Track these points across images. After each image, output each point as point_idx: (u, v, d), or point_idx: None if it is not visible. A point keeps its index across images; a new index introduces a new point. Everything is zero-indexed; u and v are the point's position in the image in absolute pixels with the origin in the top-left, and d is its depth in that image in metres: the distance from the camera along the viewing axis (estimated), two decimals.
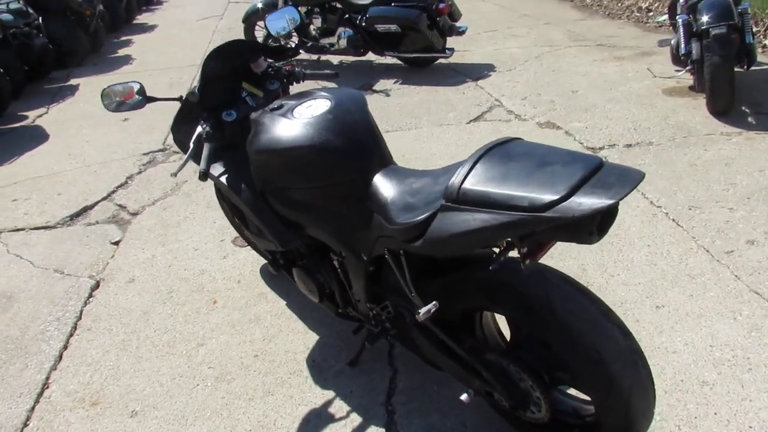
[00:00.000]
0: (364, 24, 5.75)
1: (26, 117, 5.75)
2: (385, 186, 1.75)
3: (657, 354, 2.21)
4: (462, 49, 6.42)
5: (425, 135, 4.35)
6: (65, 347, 2.61)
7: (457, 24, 5.84)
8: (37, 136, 5.21)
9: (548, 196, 1.27)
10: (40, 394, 2.36)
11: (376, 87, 5.60)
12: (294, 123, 1.87)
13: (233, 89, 2.24)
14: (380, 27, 5.69)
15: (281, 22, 2.59)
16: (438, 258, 1.77)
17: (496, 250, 1.50)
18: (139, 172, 4.30)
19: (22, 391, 2.38)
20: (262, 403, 2.21)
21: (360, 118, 1.87)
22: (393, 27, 5.63)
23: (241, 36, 6.45)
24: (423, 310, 1.65)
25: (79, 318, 2.79)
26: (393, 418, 2.08)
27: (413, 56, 5.81)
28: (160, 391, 2.31)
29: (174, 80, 6.40)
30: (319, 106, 1.91)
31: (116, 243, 3.42)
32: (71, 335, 2.68)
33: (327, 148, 1.79)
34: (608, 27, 7.04)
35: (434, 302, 1.65)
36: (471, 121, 4.55)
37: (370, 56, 6.09)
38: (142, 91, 2.16)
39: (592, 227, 1.28)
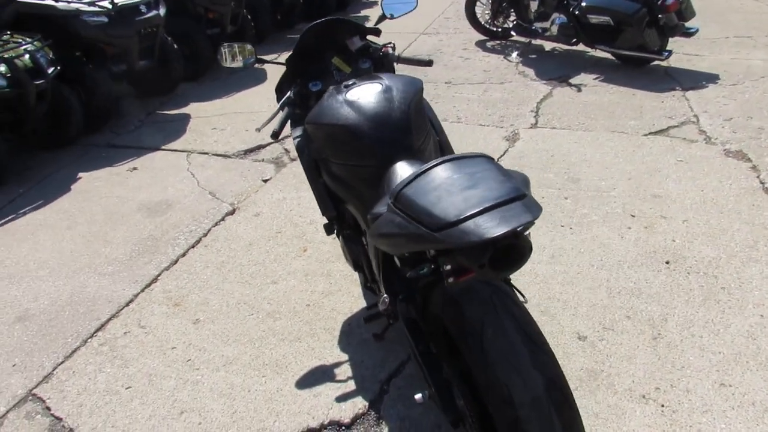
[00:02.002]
0: (577, 12, 5.45)
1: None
2: (393, 177, 1.81)
3: None
4: (692, 53, 5.68)
5: (589, 139, 4.06)
6: (183, 255, 3.18)
7: (687, 24, 5.18)
8: (258, 77, 6.09)
9: (444, 218, 1.25)
10: (147, 286, 2.94)
11: (574, 80, 5.30)
12: (340, 102, 2.00)
13: (326, 62, 2.43)
14: (593, 18, 5.33)
15: (397, 5, 2.68)
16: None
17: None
18: None
19: (137, 279, 3.00)
20: (288, 345, 2.46)
21: (398, 107, 1.92)
22: (606, 19, 5.24)
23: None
24: (380, 299, 1.70)
25: (205, 235, 3.35)
26: (381, 398, 2.16)
27: (624, 53, 5.34)
28: (223, 310, 2.71)
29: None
30: (370, 90, 2.00)
31: (266, 181, 3.94)
32: (192, 247, 3.25)
33: (356, 131, 1.89)
34: None
35: (385, 295, 1.69)
36: (650, 133, 4.09)
37: (583, 47, 5.75)
38: (253, 52, 2.47)
39: (482, 260, 1.23)
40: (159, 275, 3.02)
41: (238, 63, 2.47)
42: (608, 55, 5.66)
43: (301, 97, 2.35)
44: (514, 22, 6.33)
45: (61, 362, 2.50)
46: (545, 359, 1.44)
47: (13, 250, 3.36)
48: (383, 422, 2.07)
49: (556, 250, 2.88)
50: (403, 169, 1.81)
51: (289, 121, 2.29)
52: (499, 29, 6.64)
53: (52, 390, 2.36)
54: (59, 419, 2.22)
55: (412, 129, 1.91)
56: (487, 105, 4.84)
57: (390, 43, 2.48)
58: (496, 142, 4.14)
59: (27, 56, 4.05)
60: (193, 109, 5.41)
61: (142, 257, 3.18)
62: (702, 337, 2.29)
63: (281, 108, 2.38)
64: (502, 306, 1.50)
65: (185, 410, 2.20)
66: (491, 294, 1.53)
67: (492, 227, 1.19)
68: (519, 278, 2.69)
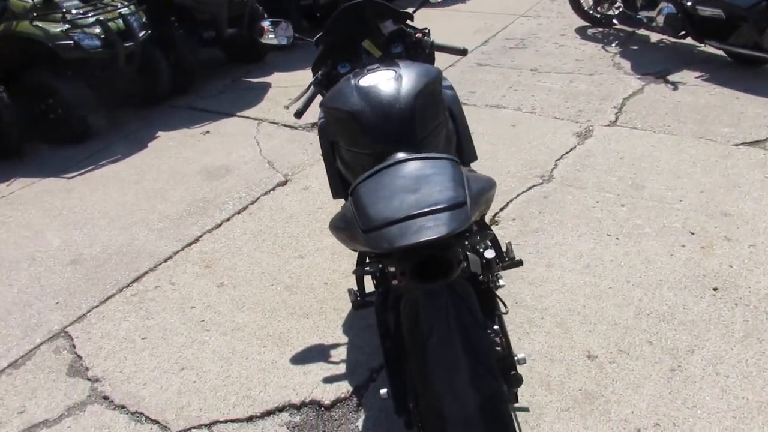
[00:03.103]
0: (686, 3, 4.98)
1: None
2: None
3: None
4: None
5: (669, 143, 3.74)
6: (227, 219, 3.33)
7: None
8: None
9: (373, 220, 1.22)
10: (188, 245, 3.12)
11: (673, 77, 4.88)
12: (351, 87, 1.97)
13: (357, 45, 2.41)
14: (703, 10, 4.85)
15: None
16: None
17: None
18: None
19: (181, 238, 3.19)
20: (296, 320, 2.52)
21: (404, 97, 1.87)
22: (718, 12, 4.74)
23: None
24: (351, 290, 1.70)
25: (252, 203, 3.48)
26: (367, 385, 2.17)
27: (737, 51, 4.83)
28: (247, 277, 2.82)
29: (482, 26, 6.64)
30: (381, 77, 1.97)
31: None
32: (237, 213, 3.39)
33: (359, 118, 1.87)
34: None
35: (351, 288, 1.69)
36: (743, 144, 3.69)
37: (692, 41, 5.27)
38: (289, 30, 2.50)
39: (403, 268, 1.19)
40: (201, 236, 3.19)
41: (275, 40, 2.50)
42: (722, 52, 5.15)
43: (328, 78, 2.35)
44: (619, 10, 5.90)
45: (96, 306, 2.72)
46: (486, 378, 1.38)
47: (84, 198, 3.69)
48: (362, 410, 2.08)
49: (593, 259, 2.71)
50: (395, 161, 1.78)
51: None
52: (603, 16, 6.23)
53: (81, 330, 2.58)
54: (80, 357, 2.43)
55: (414, 120, 1.86)
56: (569, 97, 4.59)
57: (425, 28, 2.41)
58: (565, 137, 3.93)
59: (120, 20, 4.35)
60: (275, 78, 5.59)
61: (191, 218, 3.37)
62: (728, 377, 2.07)
63: (309, 88, 2.40)
64: (455, 315, 1.45)
65: (186, 367, 2.33)
66: (448, 300, 1.48)
67: (404, 236, 1.15)
68: (541, 285, 2.57)
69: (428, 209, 1.20)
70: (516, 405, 2.03)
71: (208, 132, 4.52)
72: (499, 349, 1.60)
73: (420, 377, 1.41)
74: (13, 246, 3.24)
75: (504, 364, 1.62)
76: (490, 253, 1.76)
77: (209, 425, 2.09)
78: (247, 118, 4.73)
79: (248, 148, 4.19)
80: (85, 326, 2.60)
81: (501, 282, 2.00)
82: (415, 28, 2.41)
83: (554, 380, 2.11)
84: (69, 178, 3.95)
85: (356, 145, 1.94)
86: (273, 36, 2.48)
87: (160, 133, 4.55)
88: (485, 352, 1.42)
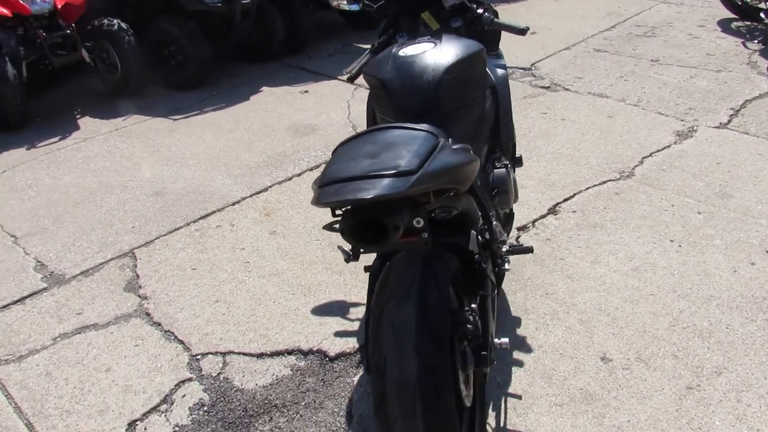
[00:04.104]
0: None
1: None
2: None
3: None
4: None
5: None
6: (299, 175, 3.53)
7: None
8: None
9: (324, 177, 1.28)
10: (256, 193, 3.36)
11: None
12: (389, 56, 2.02)
13: (418, 16, 2.42)
14: None
15: None
16: None
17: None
18: None
19: (252, 186, 3.43)
20: (328, 275, 2.65)
21: (432, 71, 1.88)
22: None
23: None
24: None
25: (325, 162, 3.64)
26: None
27: None
28: (298, 230, 2.99)
29: (615, 10, 6.25)
30: (417, 48, 1.99)
31: None
32: (310, 170, 3.58)
33: (387, 87, 1.92)
34: None
35: (340, 245, 1.75)
36: None
37: None
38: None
39: (342, 226, 1.24)
40: (270, 187, 3.41)
41: (345, 5, 2.59)
42: None
43: (384, 47, 2.40)
44: None
45: (163, 235, 3.04)
46: (430, 346, 1.39)
47: (182, 139, 4.06)
48: (362, 367, 2.16)
49: (644, 263, 2.55)
50: (377, 127, 1.81)
51: None
52: (752, 9, 5.61)
53: (146, 254, 2.90)
54: (137, 276, 2.74)
55: (439, 94, 1.87)
56: (682, 93, 4.24)
57: (488, 4, 2.37)
58: (662, 134, 3.65)
59: None
60: None
61: (266, 168, 3.60)
62: (750, 406, 1.89)
63: (367, 54, 2.47)
64: (419, 286, 1.47)
65: (220, 300, 2.55)
66: (418, 272, 1.51)
67: (335, 194, 1.20)
68: (579, 280, 2.47)
69: (372, 173, 1.23)
70: (508, 391, 2.02)
71: (306, 91, 4.74)
72: (470, 326, 1.60)
73: (372, 337, 1.46)
74: (112, 173, 3.67)
75: (475, 343, 1.62)
76: (487, 235, 1.75)
77: (224, 354, 2.28)
78: (346, 82, 4.88)
79: (338, 110, 4.34)
80: (149, 250, 2.92)
81: (507, 266, 1.97)
82: (479, 2, 2.38)
83: (558, 375, 2.06)
84: (174, 119, 4.36)
85: (384, 112, 2.00)
86: (345, 1, 2.57)
87: (264, 88, 4.85)
88: (439, 325, 1.43)
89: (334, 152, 1.47)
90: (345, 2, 2.56)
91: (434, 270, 1.54)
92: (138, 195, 3.41)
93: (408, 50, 1.98)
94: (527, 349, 2.17)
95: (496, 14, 2.42)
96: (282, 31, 5.19)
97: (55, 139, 4.17)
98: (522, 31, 2.29)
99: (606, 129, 3.79)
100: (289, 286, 2.60)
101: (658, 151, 3.48)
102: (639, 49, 5.13)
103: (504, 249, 1.98)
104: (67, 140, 4.14)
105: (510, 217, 2.43)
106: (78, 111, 4.62)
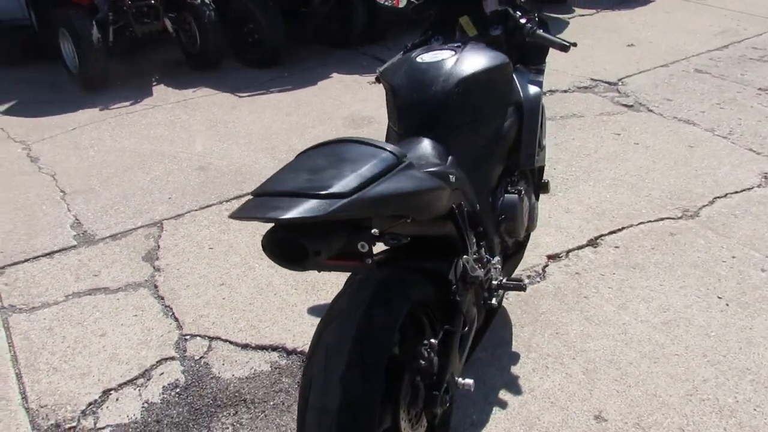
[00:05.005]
0: None
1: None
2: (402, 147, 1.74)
3: None
4: None
5: None
6: None
7: None
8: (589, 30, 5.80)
9: (259, 187, 1.22)
10: None
11: None
12: (405, 61, 1.92)
13: (456, 20, 2.29)
14: None
15: None
16: None
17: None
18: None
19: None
20: (336, 275, 2.59)
21: (444, 81, 1.77)
22: None
23: None
24: None
25: None
26: None
27: None
28: None
29: (731, 28, 5.70)
30: (437, 56, 1.88)
31: None
32: None
33: (395, 93, 1.84)
34: None
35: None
36: None
37: None
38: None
39: (264, 241, 1.17)
40: None
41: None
42: None
43: (414, 46, 2.30)
44: None
45: (194, 210, 3.10)
46: (358, 378, 1.30)
47: (240, 117, 4.14)
48: None
49: (678, 318, 2.29)
50: (412, 144, 1.71)
51: None
52: None
53: (172, 226, 2.97)
54: (158, 247, 2.82)
55: (447, 107, 1.76)
56: None
57: (533, 14, 2.20)
58: (745, 174, 3.27)
59: None
60: None
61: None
62: None
63: (399, 55, 2.38)
64: (367, 311, 1.38)
65: (225, 284, 2.57)
66: (372, 293, 1.42)
67: (251, 209, 1.13)
68: (597, 324, 2.26)
69: (300, 191, 1.15)
70: None
71: (374, 82, 4.67)
72: (422, 362, 1.49)
73: (307, 357, 1.39)
74: (168, 142, 3.81)
75: (427, 381, 1.51)
76: (460, 267, 1.61)
77: (211, 338, 2.29)
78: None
79: None
80: (176, 223, 2.99)
81: (493, 301, 1.82)
82: (525, 11, 2.21)
83: (540, 425, 1.88)
84: (240, 96, 4.45)
85: (390, 119, 1.92)
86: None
87: (333, 75, 4.84)
88: (374, 356, 1.33)
89: (296, 156, 1.40)
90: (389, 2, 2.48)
91: (388, 297, 1.44)
92: (184, 167, 3.51)
93: (426, 57, 1.88)
94: (516, 391, 2.01)
95: (545, 25, 2.24)
96: (362, 18, 5.16)
97: (127, 103, 4.38)
98: (565, 48, 2.10)
99: (682, 160, 3.45)
100: (295, 280, 2.57)
101: (736, 192, 3.12)
102: (748, 74, 4.64)
103: (495, 283, 1.83)
104: (137, 106, 4.34)
105: (521, 246, 2.25)
106: (155, 79, 4.84)
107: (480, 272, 1.62)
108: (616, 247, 2.72)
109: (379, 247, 1.71)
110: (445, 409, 1.72)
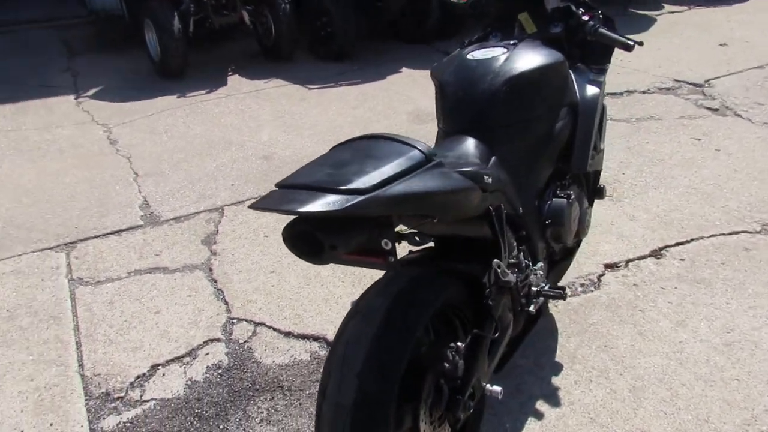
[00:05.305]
0: None
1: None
2: (441, 144, 1.73)
3: None
4: None
5: None
6: None
7: None
8: (673, 29, 5.54)
9: (283, 179, 1.23)
10: None
11: None
12: (455, 58, 1.89)
13: (515, 16, 2.23)
14: None
15: None
16: None
17: None
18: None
19: None
20: (350, 283, 2.57)
21: (492, 79, 1.73)
22: None
23: None
24: None
25: None
26: None
27: None
28: None
29: None
30: (488, 53, 1.84)
31: None
32: None
33: (444, 92, 1.81)
34: None
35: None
36: None
37: None
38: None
39: (284, 232, 1.18)
40: None
41: None
42: None
43: (473, 41, 2.26)
44: None
45: (254, 197, 3.19)
46: (375, 375, 1.30)
47: (308, 109, 4.21)
48: None
49: (744, 340, 2.13)
50: (454, 143, 1.69)
51: None
52: None
53: (232, 212, 3.07)
54: (217, 232, 2.92)
55: (493, 106, 1.72)
56: None
57: (597, 11, 2.10)
58: None
59: None
60: None
61: None
62: None
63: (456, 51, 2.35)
64: (390, 306, 1.38)
65: (275, 271, 2.63)
66: (399, 291, 1.41)
67: (268, 202, 1.14)
68: (651, 340, 2.14)
69: (320, 185, 1.15)
70: None
71: None
72: (447, 365, 1.47)
73: (330, 350, 1.40)
74: (236, 131, 3.93)
75: (451, 384, 1.48)
76: (494, 274, 1.56)
77: (257, 324, 2.35)
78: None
79: None
80: (236, 210, 3.09)
81: (531, 308, 1.76)
82: (589, 7, 2.12)
83: None
84: (309, 89, 4.53)
85: (438, 117, 1.89)
86: None
87: (404, 69, 4.84)
88: (394, 354, 1.32)
89: (330, 150, 1.41)
90: None
91: (414, 296, 1.42)
92: (249, 155, 3.62)
93: (477, 54, 1.84)
94: (555, 403, 1.94)
95: (610, 23, 2.14)
96: (436, 14, 5.12)
97: (203, 92, 4.57)
98: (628, 47, 2.00)
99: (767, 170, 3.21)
100: (342, 273, 2.59)
101: None
102: None
103: (534, 289, 1.77)
104: (211, 95, 4.52)
105: (570, 252, 2.16)
106: (231, 69, 5.01)
107: (512, 277, 1.57)
108: (682, 259, 2.56)
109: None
110: (474, 415, 1.70)
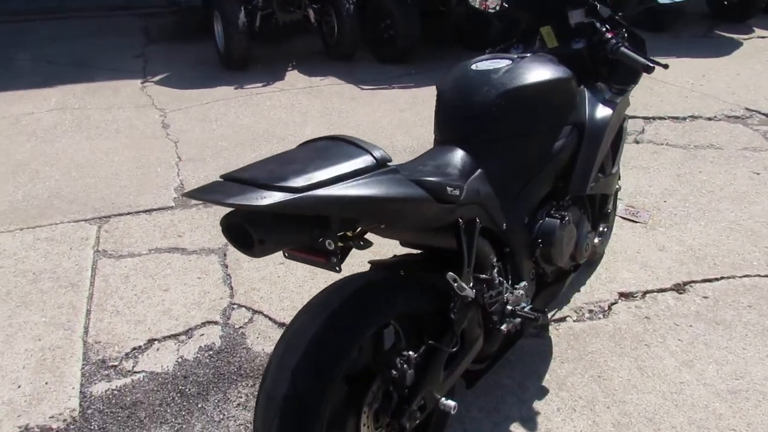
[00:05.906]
0: None
1: None
2: (430, 155, 1.71)
3: None
4: None
5: None
6: None
7: None
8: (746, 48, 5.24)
9: (234, 171, 1.26)
10: None
11: None
12: (460, 68, 1.88)
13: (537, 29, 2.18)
14: None
15: None
16: None
17: None
18: None
19: None
20: None
21: (488, 92, 1.71)
22: None
23: None
24: None
25: None
26: None
27: None
28: None
29: None
30: (492, 65, 1.82)
31: None
32: None
33: (441, 100, 1.81)
34: None
35: None
36: None
37: None
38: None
39: (221, 222, 1.21)
40: None
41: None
42: None
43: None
44: None
45: None
46: (307, 373, 1.31)
47: (355, 109, 4.28)
48: None
49: (752, 389, 1.97)
50: (438, 153, 1.67)
51: None
52: None
53: None
54: None
55: (485, 119, 1.70)
56: None
57: (623, 30, 2.02)
58: None
59: None
60: None
61: (407, 154, 3.61)
62: None
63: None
64: (339, 306, 1.39)
65: (285, 263, 2.68)
66: (352, 292, 1.43)
67: (203, 191, 1.17)
68: (650, 377, 2.03)
69: (258, 180, 1.16)
70: None
71: None
72: (394, 372, 1.46)
73: (278, 340, 1.42)
74: (282, 124, 4.05)
75: (399, 392, 1.47)
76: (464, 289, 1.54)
77: (255, 311, 2.41)
78: None
79: None
80: None
81: (503, 327, 1.71)
82: (616, 25, 2.05)
83: None
84: (362, 89, 4.60)
85: (434, 124, 1.88)
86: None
87: None
88: (332, 353, 1.33)
89: (296, 146, 1.44)
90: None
91: (367, 299, 1.43)
92: (287, 148, 3.71)
93: (480, 65, 1.83)
94: (531, 427, 1.88)
95: (641, 43, 2.06)
96: (497, 22, 5.05)
97: (260, 84, 4.73)
98: (648, 69, 1.93)
99: None
100: (349, 270, 2.59)
101: None
102: None
103: (509, 308, 1.72)
104: (267, 88, 4.67)
105: (564, 276, 2.08)
106: (292, 65, 5.16)
107: (470, 292, 1.53)
108: (705, 297, 2.41)
109: (399, 251, 1.71)
110: (435, 429, 1.68)
